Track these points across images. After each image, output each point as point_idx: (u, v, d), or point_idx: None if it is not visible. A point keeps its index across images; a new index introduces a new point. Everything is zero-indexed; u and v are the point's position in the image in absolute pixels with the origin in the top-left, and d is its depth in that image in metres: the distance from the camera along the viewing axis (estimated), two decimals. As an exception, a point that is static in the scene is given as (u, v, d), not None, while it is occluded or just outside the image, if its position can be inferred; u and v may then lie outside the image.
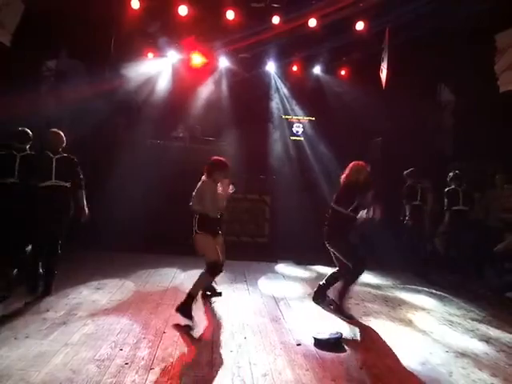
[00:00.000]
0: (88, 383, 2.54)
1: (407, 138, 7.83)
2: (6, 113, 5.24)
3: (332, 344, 3.40)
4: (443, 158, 7.96)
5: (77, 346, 3.04)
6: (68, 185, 4.35)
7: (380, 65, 7.92)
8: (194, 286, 3.82)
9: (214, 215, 4.01)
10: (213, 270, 3.90)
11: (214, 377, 2.75)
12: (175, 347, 3.17)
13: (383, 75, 7.51)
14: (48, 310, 3.73)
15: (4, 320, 3.42)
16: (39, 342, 3.05)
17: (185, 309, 3.69)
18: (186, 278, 5.24)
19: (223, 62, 8.70)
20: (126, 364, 2.83)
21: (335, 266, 4.51)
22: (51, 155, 4.28)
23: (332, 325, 3.91)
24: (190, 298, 3.75)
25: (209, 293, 4.50)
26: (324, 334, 3.49)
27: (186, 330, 3.53)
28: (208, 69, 8.75)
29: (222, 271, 4.11)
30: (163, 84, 8.51)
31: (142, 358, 2.93)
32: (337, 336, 3.48)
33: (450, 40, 7.33)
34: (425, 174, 7.12)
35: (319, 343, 3.41)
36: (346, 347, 3.42)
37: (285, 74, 9.11)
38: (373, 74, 8.03)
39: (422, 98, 8.14)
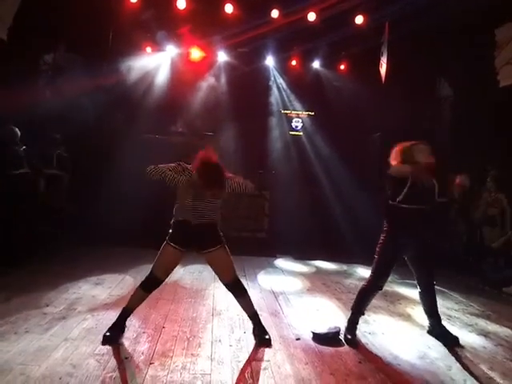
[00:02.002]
0: (88, 378, 2.55)
1: (406, 133, 7.80)
2: (2, 107, 5.22)
3: (330, 338, 3.41)
4: (442, 153, 7.95)
5: (77, 341, 3.04)
6: None
7: (379, 59, 7.89)
8: (129, 300, 3.24)
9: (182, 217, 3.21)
10: (146, 284, 3.21)
11: (214, 371, 2.77)
12: (174, 342, 3.18)
13: (383, 70, 7.49)
14: (48, 305, 3.73)
15: (4, 314, 3.42)
16: (39, 337, 3.06)
17: (112, 332, 3.10)
18: (184, 273, 5.26)
19: (222, 57, 8.65)
20: (126, 358, 2.84)
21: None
22: None
23: (331, 319, 3.93)
24: (122, 316, 3.20)
25: None
26: (322, 329, 3.51)
27: (185, 325, 3.54)
28: (206, 63, 8.70)
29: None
30: (162, 78, 8.46)
31: (142, 353, 2.94)
32: (335, 330, 3.50)
33: (450, 34, 7.30)
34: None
35: (317, 337, 3.43)
36: (343, 341, 3.44)
37: (284, 68, 9.07)
38: (372, 69, 8.00)
39: (421, 93, 8.12)
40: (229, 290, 3.39)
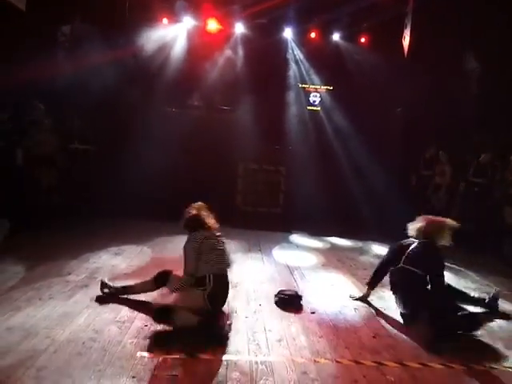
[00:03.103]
0: (110, 343, 2.65)
1: (429, 108, 7.60)
2: (21, 78, 5.25)
3: (291, 302, 3.56)
4: (467, 128, 7.73)
5: (98, 308, 3.15)
6: None
7: (403, 31, 7.60)
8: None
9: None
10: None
11: (231, 341, 2.83)
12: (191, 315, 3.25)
13: (406, 42, 7.23)
14: (70, 274, 3.85)
15: (29, 281, 3.56)
16: (62, 303, 3.18)
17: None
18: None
19: (239, 28, 8.44)
20: (146, 326, 2.94)
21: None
22: None
23: (345, 294, 3.96)
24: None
25: None
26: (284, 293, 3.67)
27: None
28: (223, 35, 8.51)
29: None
30: (178, 51, 8.34)
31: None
32: (296, 295, 3.65)
33: (478, 4, 6.95)
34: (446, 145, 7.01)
35: (281, 301, 3.56)
36: (358, 316, 3.48)
37: (302, 41, 8.80)
38: (395, 42, 7.71)
39: (446, 66, 7.82)
40: None
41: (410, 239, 3.62)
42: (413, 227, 3.65)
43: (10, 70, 5.16)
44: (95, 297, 3.33)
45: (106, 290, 3.37)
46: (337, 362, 2.69)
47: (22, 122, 5.86)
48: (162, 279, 3.29)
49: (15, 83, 5.22)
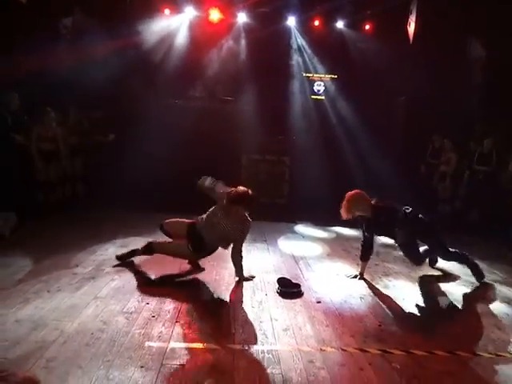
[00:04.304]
0: (118, 333, 2.69)
1: (433, 97, 7.52)
2: (23, 70, 5.25)
3: (293, 293, 3.61)
4: (471, 116, 7.65)
5: (106, 300, 3.18)
6: None
7: (408, 18, 7.49)
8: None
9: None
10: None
11: (237, 331, 2.86)
12: (199, 302, 3.29)
13: (411, 29, 7.13)
14: (77, 266, 3.89)
15: (37, 274, 3.60)
16: (70, 295, 3.21)
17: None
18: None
19: (241, 18, 8.36)
20: (153, 317, 2.96)
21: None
22: None
23: (351, 284, 3.97)
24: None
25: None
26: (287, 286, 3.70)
27: (208, 287, 3.65)
28: (226, 25, 8.43)
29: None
30: (180, 41, 8.28)
31: (168, 312, 3.06)
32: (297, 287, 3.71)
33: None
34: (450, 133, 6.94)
35: (283, 293, 3.60)
36: (363, 305, 3.49)
37: (306, 29, 8.69)
38: (399, 29, 7.61)
39: (451, 54, 7.71)
40: None
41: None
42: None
43: (11, 63, 5.16)
44: (102, 289, 3.37)
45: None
46: (342, 350, 2.71)
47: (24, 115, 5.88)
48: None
49: (16, 75, 5.23)
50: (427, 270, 4.59)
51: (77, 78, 6.35)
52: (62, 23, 7.37)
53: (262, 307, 3.29)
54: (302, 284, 3.83)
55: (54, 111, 5.97)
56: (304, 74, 8.81)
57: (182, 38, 8.26)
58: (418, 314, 3.37)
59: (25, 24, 6.16)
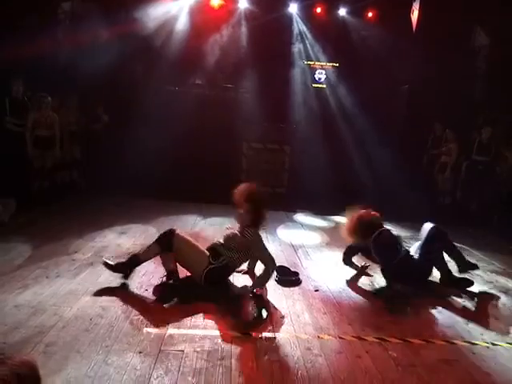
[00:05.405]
0: (117, 319, 2.69)
1: (436, 86, 7.44)
2: (21, 55, 5.19)
3: (292, 281, 3.63)
4: (474, 106, 7.59)
5: (104, 285, 3.19)
6: None
7: (411, 5, 7.37)
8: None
9: None
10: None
11: (235, 317, 2.87)
12: (197, 289, 3.28)
13: (414, 16, 7.02)
14: (76, 252, 3.90)
15: (36, 260, 3.60)
16: (69, 281, 3.22)
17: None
18: (206, 226, 5.36)
19: (243, 4, 8.23)
20: (152, 303, 2.98)
21: None
22: None
23: (350, 273, 3.98)
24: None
25: None
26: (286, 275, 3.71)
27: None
28: (226, 11, 8.30)
29: None
30: (180, 27, 8.16)
31: (166, 299, 3.06)
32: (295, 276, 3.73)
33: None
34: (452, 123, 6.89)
35: (281, 281, 3.61)
36: (361, 294, 3.50)
37: (308, 16, 8.56)
38: (402, 17, 7.49)
39: (455, 42, 7.62)
40: None
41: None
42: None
43: (11, 48, 5.09)
44: (101, 275, 3.37)
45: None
46: (340, 338, 2.72)
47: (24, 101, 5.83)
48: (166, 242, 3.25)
49: (14, 60, 5.17)
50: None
51: (75, 63, 6.28)
52: (61, 8, 7.26)
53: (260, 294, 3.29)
54: (300, 272, 3.84)
55: (51, 97, 5.90)
56: (305, 62, 8.71)
57: (182, 24, 8.14)
58: (416, 303, 3.38)
59: (24, 9, 6.06)
